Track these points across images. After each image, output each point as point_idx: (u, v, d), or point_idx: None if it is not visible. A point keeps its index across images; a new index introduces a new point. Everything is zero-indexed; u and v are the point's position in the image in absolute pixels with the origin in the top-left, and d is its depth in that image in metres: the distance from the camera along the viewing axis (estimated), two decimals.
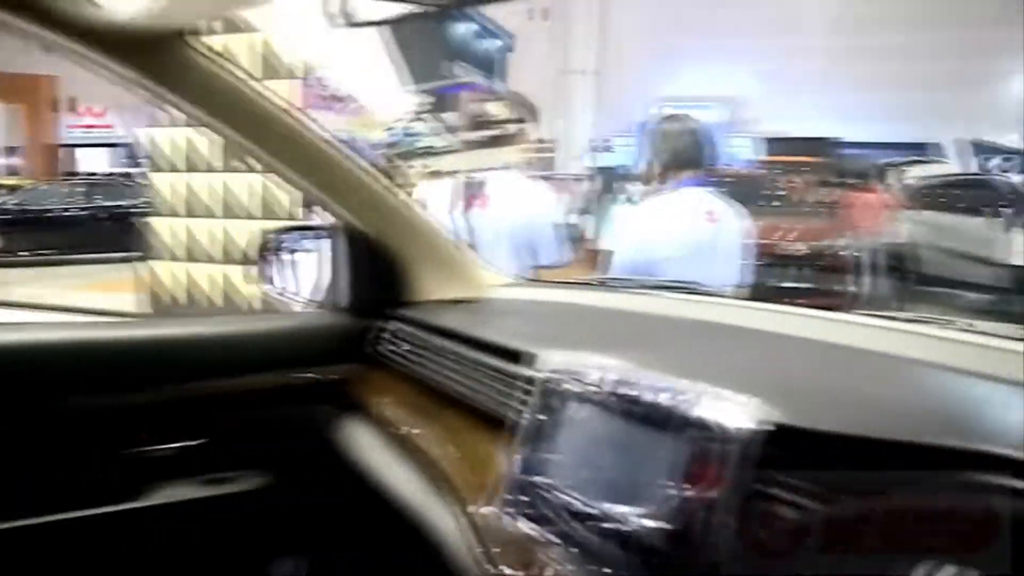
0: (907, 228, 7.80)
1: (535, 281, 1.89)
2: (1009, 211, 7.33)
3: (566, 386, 0.85)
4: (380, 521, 1.15)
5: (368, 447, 1.27)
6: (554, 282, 1.73)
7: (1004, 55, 14.78)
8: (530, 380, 0.92)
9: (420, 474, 1.10)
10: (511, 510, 0.85)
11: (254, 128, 1.24)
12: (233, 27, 5.33)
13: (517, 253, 2.19)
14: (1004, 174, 12.09)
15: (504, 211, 2.23)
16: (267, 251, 1.62)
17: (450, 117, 1.70)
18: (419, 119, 1.67)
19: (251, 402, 1.35)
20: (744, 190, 6.57)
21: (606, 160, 13.69)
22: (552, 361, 0.89)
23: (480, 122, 1.79)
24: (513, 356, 1.00)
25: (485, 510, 0.90)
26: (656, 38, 17.82)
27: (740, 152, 14.69)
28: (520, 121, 1.84)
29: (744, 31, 16.94)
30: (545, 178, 4.70)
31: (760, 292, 2.88)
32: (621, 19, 18.28)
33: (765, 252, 5.98)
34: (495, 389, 1.02)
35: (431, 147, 1.69)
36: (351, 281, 1.43)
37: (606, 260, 2.26)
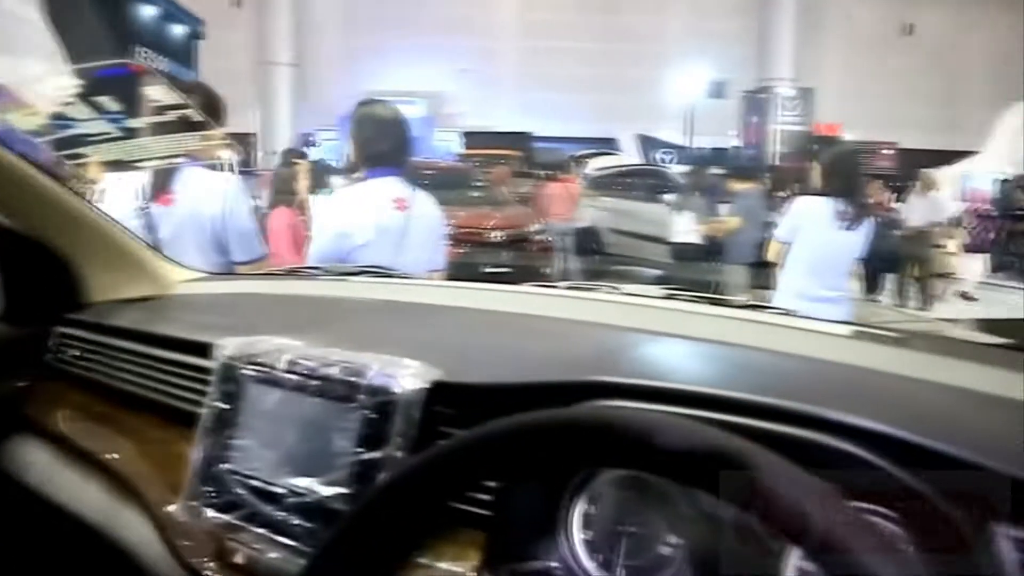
0: (591, 213, 8.70)
1: (225, 275, 1.83)
2: (672, 196, 8.45)
3: (243, 371, 0.86)
4: (66, 547, 1.07)
5: (45, 467, 1.16)
6: (245, 274, 1.69)
7: (666, 65, 17.10)
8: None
9: (106, 487, 1.04)
10: (196, 502, 0.85)
11: None
12: None
13: (207, 249, 2.09)
14: (667, 164, 14.02)
15: (192, 206, 2.11)
16: None
17: (107, 102, 1.56)
18: (72, 104, 1.51)
19: None
20: (446, 181, 6.86)
21: (311, 154, 13.46)
22: (228, 347, 0.90)
23: (143, 107, 1.66)
24: (199, 349, 0.98)
25: (173, 508, 0.88)
26: (357, 31, 17.80)
27: (446, 146, 15.22)
28: (187, 107, 1.74)
29: (444, 30, 17.55)
30: (244, 173, 4.51)
31: (462, 275, 3.04)
32: (320, 10, 17.96)
33: (467, 239, 6.30)
34: (183, 386, 0.99)
35: (86, 135, 1.54)
36: (8, 286, 1.28)
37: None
